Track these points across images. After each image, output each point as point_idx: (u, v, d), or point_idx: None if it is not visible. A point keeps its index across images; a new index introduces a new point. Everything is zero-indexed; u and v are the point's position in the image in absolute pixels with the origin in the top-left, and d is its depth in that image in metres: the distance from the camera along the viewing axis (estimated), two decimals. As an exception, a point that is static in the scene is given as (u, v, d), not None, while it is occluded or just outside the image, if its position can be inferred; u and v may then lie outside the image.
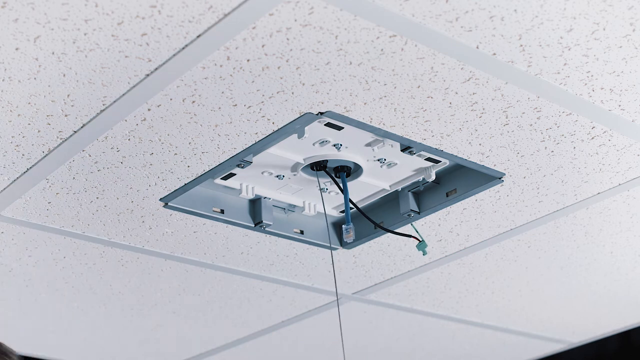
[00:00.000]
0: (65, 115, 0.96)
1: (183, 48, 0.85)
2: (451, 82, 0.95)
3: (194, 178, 1.12)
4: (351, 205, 1.18)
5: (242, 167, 1.10)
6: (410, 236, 1.17)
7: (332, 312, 1.61)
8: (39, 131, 0.99)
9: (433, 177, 1.16)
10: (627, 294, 1.67)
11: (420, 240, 1.16)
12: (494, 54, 0.90)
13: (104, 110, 0.96)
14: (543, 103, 1.00)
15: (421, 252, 1.17)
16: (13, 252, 1.29)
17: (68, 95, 0.92)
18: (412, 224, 1.24)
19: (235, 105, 0.96)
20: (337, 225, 1.34)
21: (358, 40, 0.86)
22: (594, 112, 1.03)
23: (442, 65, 0.91)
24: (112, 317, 1.58)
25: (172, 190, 1.15)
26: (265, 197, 1.23)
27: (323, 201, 1.21)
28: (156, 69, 0.88)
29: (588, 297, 1.67)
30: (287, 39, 0.85)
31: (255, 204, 1.25)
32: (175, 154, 1.06)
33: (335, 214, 1.30)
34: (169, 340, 1.72)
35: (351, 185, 1.19)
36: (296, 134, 1.04)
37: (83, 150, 1.04)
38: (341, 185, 1.14)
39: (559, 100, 1.00)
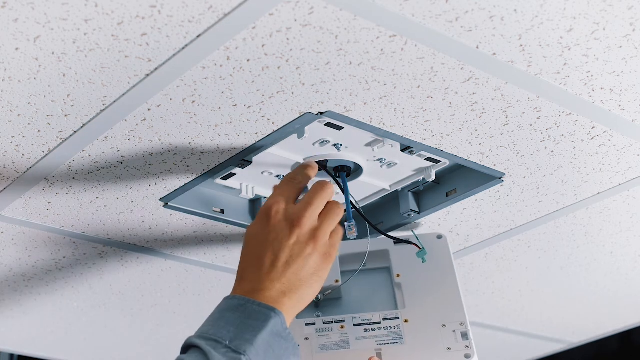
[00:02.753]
0: (65, 115, 0.96)
1: (183, 48, 0.85)
2: (451, 82, 0.95)
3: (194, 178, 1.12)
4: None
5: (242, 167, 1.10)
6: (410, 243, 1.15)
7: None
8: (39, 131, 0.99)
9: (433, 177, 1.16)
10: (627, 294, 1.67)
11: (421, 248, 1.14)
12: (494, 54, 0.90)
13: (104, 110, 0.96)
14: (543, 103, 1.00)
15: (420, 260, 1.15)
16: (13, 252, 1.28)
17: (68, 95, 0.92)
18: (412, 231, 1.23)
19: (235, 105, 0.96)
20: (337, 225, 1.34)
21: (358, 40, 0.86)
22: (594, 112, 1.03)
23: (442, 65, 0.91)
24: (112, 317, 1.58)
25: (172, 190, 1.15)
26: (265, 197, 1.23)
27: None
28: (156, 69, 0.88)
29: (588, 297, 1.67)
30: (287, 39, 0.85)
31: (255, 204, 1.25)
32: (175, 154, 1.06)
33: (335, 214, 1.30)
34: (169, 340, 1.72)
35: (351, 185, 1.19)
36: (296, 134, 1.04)
37: (83, 150, 1.04)
38: (342, 184, 1.14)
39: (559, 100, 1.00)
